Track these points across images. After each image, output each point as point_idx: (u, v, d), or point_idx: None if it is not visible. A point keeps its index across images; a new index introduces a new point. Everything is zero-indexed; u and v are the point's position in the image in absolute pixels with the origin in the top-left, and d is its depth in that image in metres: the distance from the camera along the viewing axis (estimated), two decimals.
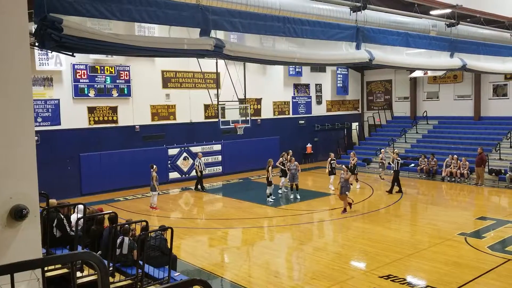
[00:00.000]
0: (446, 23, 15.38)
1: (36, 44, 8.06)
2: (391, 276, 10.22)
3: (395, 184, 19.21)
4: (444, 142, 26.25)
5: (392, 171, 19.78)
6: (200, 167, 20.48)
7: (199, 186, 20.77)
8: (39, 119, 18.72)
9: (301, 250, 12.71)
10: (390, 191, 19.20)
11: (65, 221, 8.03)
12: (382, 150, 23.87)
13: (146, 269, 7.68)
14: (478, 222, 14.90)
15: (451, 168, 22.31)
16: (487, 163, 21.72)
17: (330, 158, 20.43)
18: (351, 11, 12.64)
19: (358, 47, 12.88)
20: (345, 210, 16.17)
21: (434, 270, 10.65)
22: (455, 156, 22.41)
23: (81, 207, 8.29)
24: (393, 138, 28.53)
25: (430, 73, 26.42)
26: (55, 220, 7.89)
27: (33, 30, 7.78)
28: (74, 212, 9.00)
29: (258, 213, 16.86)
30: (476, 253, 11.84)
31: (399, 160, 19.33)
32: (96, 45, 8.14)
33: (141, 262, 7.62)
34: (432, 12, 16.55)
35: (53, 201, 8.44)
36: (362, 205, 17.66)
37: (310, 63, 16.96)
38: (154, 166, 17.75)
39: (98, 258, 2.77)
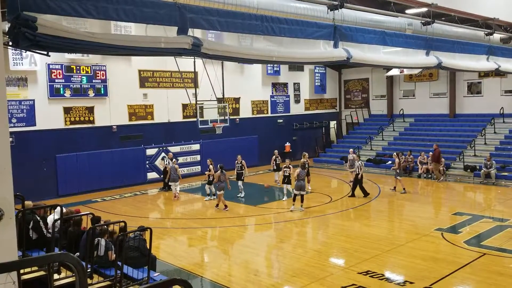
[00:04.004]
0: (422, 21, 15.56)
1: (10, 43, 7.89)
2: (369, 272, 10.33)
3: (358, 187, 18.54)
4: (421, 140, 26.63)
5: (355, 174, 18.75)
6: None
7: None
8: (14, 120, 18.36)
9: (281, 248, 12.75)
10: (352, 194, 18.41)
11: (41, 223, 7.90)
12: (395, 153, 20.88)
13: (125, 270, 7.59)
14: (454, 218, 15.16)
15: (427, 165, 22.64)
16: (442, 158, 22.22)
17: (303, 159, 19.80)
18: (329, 10, 12.68)
19: (335, 46, 12.93)
20: (226, 206, 16.73)
21: (412, 265, 10.80)
22: (431, 153, 22.73)
23: (58, 208, 8.15)
24: (371, 136, 28.81)
25: (406, 71, 26.75)
26: (31, 222, 7.75)
27: (7, 29, 7.62)
28: (50, 214, 8.85)
29: (237, 212, 16.85)
30: (452, 248, 12.06)
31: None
32: (71, 44, 7.99)
33: (120, 263, 7.54)
34: (407, 11, 16.74)
35: (28, 203, 8.28)
36: (341, 202, 17.81)
37: (288, 62, 16.99)
38: (174, 159, 19.50)
39: (75, 260, 2.73)
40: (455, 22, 17.43)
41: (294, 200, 16.42)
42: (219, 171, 16.88)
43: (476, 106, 27.14)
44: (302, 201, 16.30)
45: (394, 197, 18.65)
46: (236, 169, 19.27)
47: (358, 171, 18.37)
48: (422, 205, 17.32)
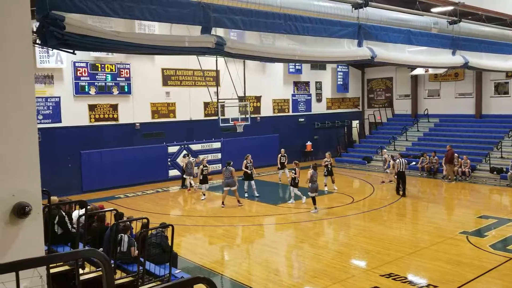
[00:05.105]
0: (448, 20, 15.35)
1: (38, 41, 8.03)
2: (392, 275, 10.21)
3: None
4: (445, 140, 26.13)
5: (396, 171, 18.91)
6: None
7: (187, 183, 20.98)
8: (40, 117, 18.69)
9: (301, 248, 12.70)
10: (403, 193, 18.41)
11: (66, 218, 8.01)
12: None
13: (147, 266, 7.67)
14: (479, 221, 14.88)
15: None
16: (455, 160, 21.98)
17: (325, 159, 19.89)
18: (353, 8, 12.59)
19: (360, 45, 12.84)
20: (222, 203, 17.33)
21: (436, 268, 10.63)
22: (456, 154, 22.36)
23: (83, 206, 8.27)
24: (394, 136, 28.51)
25: (431, 71, 26.40)
26: (57, 217, 7.87)
27: (35, 28, 7.77)
28: (75, 209, 8.99)
29: (258, 211, 16.86)
30: (477, 251, 11.83)
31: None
32: (97, 43, 8.11)
33: (142, 259, 7.62)
34: (433, 10, 16.54)
35: (54, 198, 8.42)
36: (363, 203, 17.66)
37: (311, 61, 16.93)
38: (190, 156, 21.16)
39: (102, 256, 2.76)
40: (482, 21, 17.13)
41: (314, 203, 16.12)
42: (224, 168, 17.34)
43: (503, 106, 26.55)
44: (314, 203, 16.10)
45: (418, 199, 18.40)
46: (247, 168, 18.89)
47: (401, 168, 18.27)
48: (446, 208, 17.04)
